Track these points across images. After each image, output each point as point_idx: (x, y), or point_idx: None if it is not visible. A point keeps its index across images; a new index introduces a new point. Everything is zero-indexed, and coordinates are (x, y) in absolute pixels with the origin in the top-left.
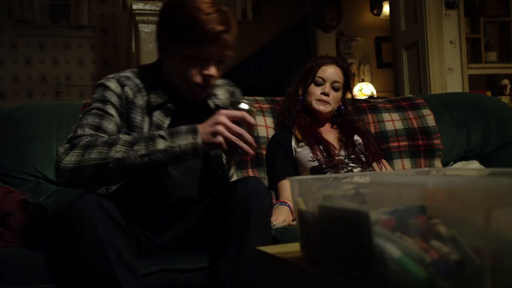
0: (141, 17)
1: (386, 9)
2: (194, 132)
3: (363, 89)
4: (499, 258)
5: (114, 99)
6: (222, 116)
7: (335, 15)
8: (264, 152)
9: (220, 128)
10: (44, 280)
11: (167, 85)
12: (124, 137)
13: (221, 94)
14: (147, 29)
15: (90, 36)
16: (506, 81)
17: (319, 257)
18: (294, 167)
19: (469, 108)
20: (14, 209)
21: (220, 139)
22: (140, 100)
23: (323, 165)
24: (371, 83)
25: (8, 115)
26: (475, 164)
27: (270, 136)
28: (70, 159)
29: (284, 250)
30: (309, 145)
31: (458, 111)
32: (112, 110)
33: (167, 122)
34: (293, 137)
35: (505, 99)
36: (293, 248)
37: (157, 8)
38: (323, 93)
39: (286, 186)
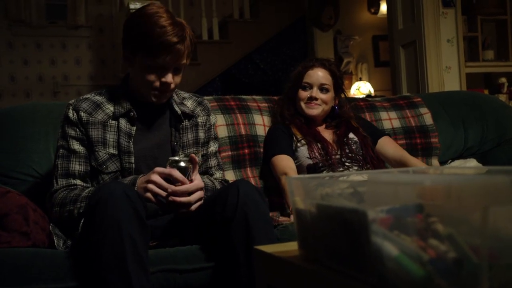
0: None
1: (383, 7)
2: (133, 185)
3: (361, 88)
4: (496, 256)
5: (70, 130)
6: (154, 174)
7: (332, 14)
8: (261, 150)
9: (150, 185)
10: (41, 280)
11: (130, 95)
12: (85, 193)
13: (189, 103)
14: None
15: (87, 36)
16: (503, 79)
17: (317, 256)
18: (292, 152)
19: (466, 106)
20: (11, 210)
21: (148, 195)
22: (99, 116)
23: (320, 164)
24: (369, 81)
25: (5, 115)
26: (472, 162)
27: (268, 130)
28: (53, 216)
29: (282, 249)
30: (307, 143)
31: (456, 110)
32: (74, 144)
33: (134, 128)
34: (293, 134)
35: (502, 97)
36: (291, 247)
37: None
38: (311, 97)
39: (282, 160)
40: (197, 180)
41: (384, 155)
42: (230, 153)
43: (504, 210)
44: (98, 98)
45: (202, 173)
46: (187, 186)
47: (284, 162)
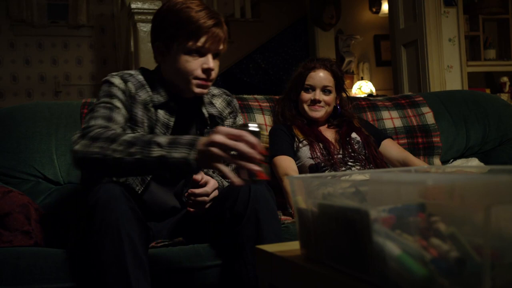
0: (139, 16)
1: (385, 7)
2: (191, 146)
3: (362, 87)
4: (499, 256)
5: (119, 93)
6: (218, 135)
7: (333, 13)
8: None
9: (215, 149)
10: (42, 280)
11: (167, 86)
12: (125, 136)
13: (219, 103)
14: (146, 28)
15: (89, 35)
16: (505, 79)
17: (318, 255)
18: (293, 153)
19: (468, 105)
20: (13, 209)
21: (215, 163)
22: (142, 96)
23: (322, 163)
24: (370, 81)
25: (7, 114)
26: (474, 162)
27: (269, 130)
28: (78, 148)
29: (284, 248)
30: (309, 143)
31: (457, 109)
32: (118, 104)
33: (172, 120)
34: (295, 136)
35: (504, 96)
36: (293, 246)
37: (156, 7)
38: (314, 100)
39: (283, 161)
40: (212, 180)
41: (387, 157)
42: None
43: (507, 209)
44: (140, 77)
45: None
46: (206, 189)
47: (285, 163)
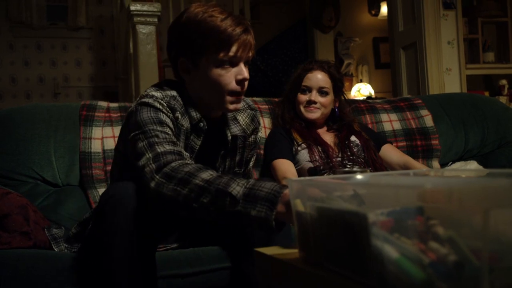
0: (138, 18)
1: (384, 9)
2: (272, 204)
3: (361, 90)
4: (497, 259)
5: (167, 118)
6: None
7: (333, 15)
8: (262, 152)
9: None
10: (41, 283)
11: (195, 106)
12: (198, 178)
13: (243, 119)
14: (145, 30)
15: (88, 37)
16: (504, 82)
17: (317, 258)
18: (292, 157)
19: (467, 108)
20: (12, 210)
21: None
22: (185, 124)
23: (321, 167)
24: (369, 83)
25: (6, 116)
26: (473, 165)
27: (268, 133)
28: (153, 186)
29: (282, 251)
30: (307, 146)
31: (456, 112)
32: (169, 130)
33: (199, 143)
34: (293, 139)
35: (503, 99)
36: (291, 249)
37: (155, 9)
38: (309, 101)
39: (282, 164)
40: None
41: (387, 161)
42: None
43: (505, 213)
44: (181, 101)
45: None
46: None
47: (284, 166)
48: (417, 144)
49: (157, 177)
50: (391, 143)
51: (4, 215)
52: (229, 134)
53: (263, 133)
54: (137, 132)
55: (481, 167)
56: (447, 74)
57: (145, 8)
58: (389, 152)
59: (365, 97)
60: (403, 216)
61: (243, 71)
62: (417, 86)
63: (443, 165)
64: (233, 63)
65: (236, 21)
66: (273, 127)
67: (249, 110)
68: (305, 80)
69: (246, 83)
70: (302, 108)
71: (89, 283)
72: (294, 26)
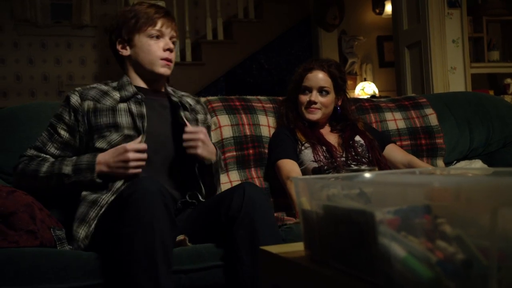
0: None
1: (388, 8)
2: (92, 170)
3: (365, 89)
4: (505, 258)
5: (66, 116)
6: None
7: (337, 14)
8: (266, 151)
9: (105, 169)
10: (44, 281)
11: (130, 84)
12: (41, 172)
13: (189, 100)
14: None
15: (92, 35)
16: (508, 80)
17: (323, 257)
18: (297, 157)
19: (472, 107)
20: (18, 209)
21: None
22: (108, 102)
23: (325, 167)
24: (373, 82)
25: (11, 114)
26: (478, 163)
27: (272, 133)
28: (13, 179)
29: (288, 249)
30: (311, 146)
31: (461, 110)
32: (61, 129)
33: (144, 110)
34: (297, 139)
35: (508, 98)
36: (297, 247)
37: None
38: (310, 102)
39: (287, 164)
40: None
41: (392, 161)
42: (234, 153)
43: None
44: (104, 87)
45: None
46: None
47: (289, 166)
48: (422, 143)
49: (15, 174)
50: (395, 142)
51: (10, 213)
52: (176, 99)
53: (268, 132)
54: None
55: (486, 166)
56: (451, 73)
57: None
58: (393, 151)
59: (369, 96)
60: (410, 214)
61: (169, 42)
62: (422, 85)
63: (447, 164)
64: (160, 36)
65: (159, 7)
66: (277, 127)
67: (192, 96)
68: (305, 80)
69: (173, 55)
70: (303, 109)
71: (100, 277)
72: (298, 24)
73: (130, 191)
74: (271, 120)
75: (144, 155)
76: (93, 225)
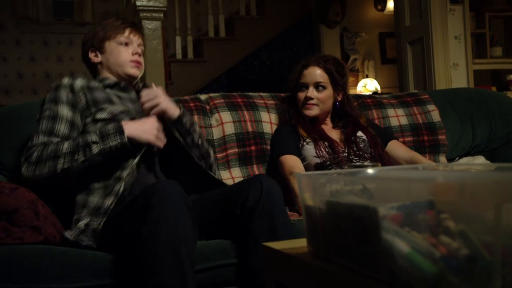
0: (145, 14)
1: (390, 4)
2: (121, 132)
3: (367, 85)
4: (509, 253)
5: (64, 95)
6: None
7: (339, 10)
8: (268, 147)
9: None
10: (48, 279)
11: (107, 78)
12: (63, 148)
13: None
14: (151, 26)
15: None
16: (511, 76)
17: (326, 253)
18: (299, 153)
19: (474, 103)
20: (21, 205)
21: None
22: (96, 85)
23: (327, 162)
24: (375, 79)
25: (14, 112)
26: (480, 160)
27: (274, 130)
28: (25, 174)
29: (291, 245)
30: (313, 141)
31: (463, 107)
32: (63, 108)
33: (132, 95)
34: (300, 135)
35: (510, 94)
36: (299, 243)
37: (161, 5)
38: (306, 98)
39: (289, 160)
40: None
41: (394, 157)
42: (236, 150)
43: None
44: (86, 78)
45: None
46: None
47: (292, 162)
48: (424, 139)
49: (27, 166)
50: (398, 139)
51: (14, 210)
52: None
53: (270, 128)
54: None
55: (488, 162)
56: (454, 69)
57: (151, 3)
58: (396, 148)
59: (371, 93)
60: (413, 210)
61: (136, 48)
62: (424, 81)
63: (450, 160)
64: (128, 43)
65: (125, 20)
66: (280, 123)
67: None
68: (302, 77)
69: (142, 58)
70: (301, 106)
71: (106, 277)
72: (300, 21)
73: (151, 192)
74: (273, 117)
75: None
76: (102, 223)
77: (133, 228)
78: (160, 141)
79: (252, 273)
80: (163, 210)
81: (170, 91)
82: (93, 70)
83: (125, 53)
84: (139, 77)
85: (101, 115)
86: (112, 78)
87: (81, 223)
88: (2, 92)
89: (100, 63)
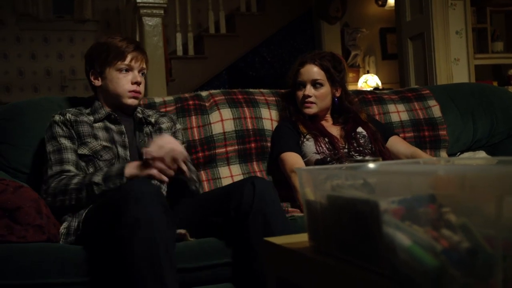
0: (145, 10)
1: (390, 0)
2: (121, 176)
3: (368, 81)
4: (511, 246)
5: (60, 130)
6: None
7: (339, 6)
8: (268, 144)
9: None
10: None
11: (102, 107)
12: (72, 184)
13: (153, 116)
14: (151, 22)
15: (94, 30)
16: None
17: (327, 247)
18: (299, 149)
19: (475, 98)
20: (24, 203)
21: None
22: (85, 119)
23: (328, 158)
24: (376, 74)
25: (17, 109)
26: (481, 155)
27: (275, 128)
28: (47, 203)
29: (292, 240)
30: (314, 138)
31: (465, 102)
32: (63, 140)
33: (122, 127)
34: (300, 132)
35: (511, 89)
36: (301, 238)
37: (161, 1)
38: (304, 96)
39: (290, 157)
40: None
41: (395, 152)
42: (236, 147)
43: None
44: (78, 110)
45: None
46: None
47: (292, 158)
48: (425, 135)
49: (46, 197)
50: (398, 134)
51: (17, 208)
52: (140, 116)
53: (270, 125)
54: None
55: (490, 157)
56: (455, 64)
57: (151, 0)
58: (396, 143)
59: (372, 89)
60: (415, 204)
61: (137, 76)
62: (425, 76)
63: (451, 155)
64: (129, 70)
65: (129, 41)
66: (280, 120)
67: (159, 113)
68: (299, 75)
69: (141, 87)
70: (300, 104)
71: (98, 274)
72: (301, 17)
73: (126, 192)
74: (274, 114)
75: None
76: (80, 221)
77: (109, 229)
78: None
79: (249, 272)
80: (138, 212)
81: (171, 88)
82: (93, 89)
83: (124, 81)
84: (137, 105)
85: (82, 151)
86: (105, 110)
87: (65, 224)
88: (3, 89)
89: (100, 87)
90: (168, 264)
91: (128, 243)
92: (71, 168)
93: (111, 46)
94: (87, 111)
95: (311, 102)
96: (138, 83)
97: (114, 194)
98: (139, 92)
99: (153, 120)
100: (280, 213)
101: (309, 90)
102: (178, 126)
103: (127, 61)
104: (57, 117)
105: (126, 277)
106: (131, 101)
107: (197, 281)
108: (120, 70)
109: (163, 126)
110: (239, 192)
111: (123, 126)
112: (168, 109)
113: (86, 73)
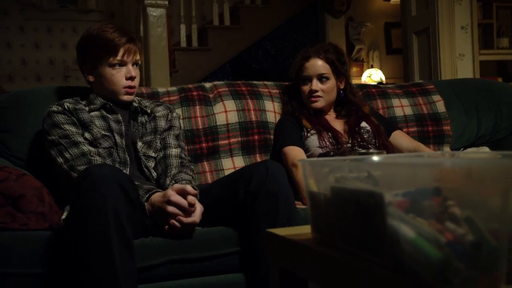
0: (149, 1)
1: None
2: (149, 192)
3: (372, 76)
4: None
5: (61, 118)
6: (172, 194)
7: (344, 0)
8: (271, 137)
9: (170, 208)
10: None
11: (97, 98)
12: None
13: (149, 106)
14: (155, 13)
15: (98, 20)
16: None
17: (330, 239)
18: (302, 144)
19: (480, 94)
20: (26, 191)
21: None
22: (82, 107)
23: (331, 152)
24: (380, 69)
25: (20, 98)
26: (485, 150)
27: (277, 121)
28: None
29: (295, 232)
30: (317, 132)
31: (469, 97)
32: (67, 126)
33: (118, 115)
34: (303, 126)
35: None
36: (303, 230)
37: None
38: (311, 91)
39: (293, 151)
40: (199, 205)
41: (398, 147)
42: (240, 139)
43: None
44: (74, 100)
45: (160, 149)
46: (194, 219)
47: (295, 153)
48: (429, 130)
49: (74, 174)
50: (401, 129)
51: (20, 196)
52: (136, 105)
53: (274, 118)
54: (45, 142)
55: (493, 152)
56: (460, 59)
57: None
58: (400, 138)
59: (375, 83)
60: (419, 196)
61: (131, 70)
62: (429, 71)
63: (454, 150)
64: (122, 65)
65: (121, 33)
66: (283, 114)
67: (156, 102)
68: (304, 70)
69: (136, 80)
70: (306, 99)
71: (64, 263)
72: (305, 10)
73: (81, 180)
74: (277, 106)
75: (181, 213)
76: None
77: (70, 216)
78: (176, 222)
79: (255, 259)
80: (90, 198)
81: (174, 79)
82: (88, 82)
83: (118, 77)
84: (132, 100)
85: (86, 136)
86: (99, 101)
87: (66, 212)
88: (6, 78)
89: (94, 82)
90: (122, 247)
91: (82, 233)
92: (97, 158)
93: (102, 40)
94: (83, 102)
95: (318, 96)
96: (132, 78)
97: (76, 179)
98: (134, 87)
99: (149, 110)
100: (291, 197)
101: (316, 84)
102: (175, 114)
103: (119, 56)
104: (54, 108)
105: (80, 260)
106: (127, 97)
107: (207, 271)
108: (113, 66)
109: (158, 114)
110: (250, 173)
111: (119, 115)
112: (171, 98)
113: (79, 65)
